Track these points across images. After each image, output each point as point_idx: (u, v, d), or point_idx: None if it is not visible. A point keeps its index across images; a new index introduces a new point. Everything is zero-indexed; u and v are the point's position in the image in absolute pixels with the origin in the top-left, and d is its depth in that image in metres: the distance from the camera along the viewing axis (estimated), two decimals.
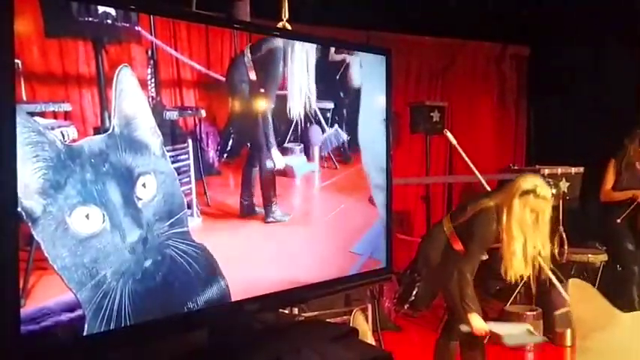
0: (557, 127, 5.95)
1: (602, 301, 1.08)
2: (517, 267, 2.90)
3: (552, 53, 5.98)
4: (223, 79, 1.95)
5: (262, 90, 2.07)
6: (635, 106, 5.37)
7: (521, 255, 2.91)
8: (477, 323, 2.84)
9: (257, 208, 2.06)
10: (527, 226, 2.90)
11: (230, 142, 1.98)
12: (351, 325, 3.33)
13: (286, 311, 2.86)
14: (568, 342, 4.34)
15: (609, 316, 1.07)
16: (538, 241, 2.96)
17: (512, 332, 2.92)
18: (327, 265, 2.20)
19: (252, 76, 2.03)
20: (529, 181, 2.94)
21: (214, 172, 1.94)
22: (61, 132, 1.55)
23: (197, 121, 1.89)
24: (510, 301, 4.62)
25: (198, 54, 1.88)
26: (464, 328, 2.89)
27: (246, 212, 2.03)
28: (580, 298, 1.09)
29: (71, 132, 1.57)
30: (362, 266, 2.43)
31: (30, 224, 1.46)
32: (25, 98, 1.49)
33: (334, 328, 2.25)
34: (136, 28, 1.71)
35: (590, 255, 4.74)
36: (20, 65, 1.48)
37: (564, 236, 4.63)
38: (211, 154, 1.92)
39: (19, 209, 1.44)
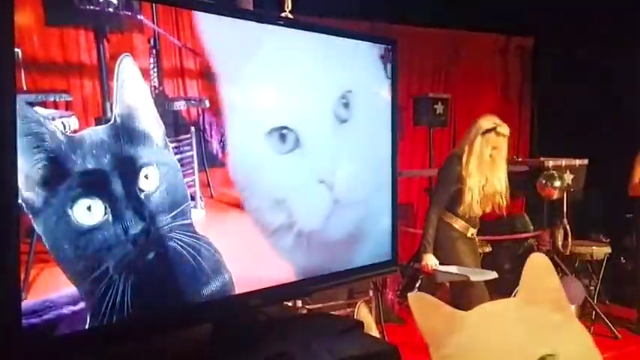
0: (561, 118, 5.92)
1: (445, 308, 1.07)
2: (472, 203, 3.11)
3: (556, 44, 5.94)
4: None
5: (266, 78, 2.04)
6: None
7: (477, 192, 3.11)
8: (426, 260, 3.05)
9: None
10: (486, 163, 3.15)
11: None
12: (355, 317, 3.32)
13: (290, 304, 2.85)
14: None
15: (456, 320, 1.06)
16: (495, 178, 3.17)
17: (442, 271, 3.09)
18: (332, 257, 2.18)
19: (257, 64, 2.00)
20: (489, 120, 3.18)
21: (218, 163, 1.91)
22: (62, 122, 1.53)
23: (200, 111, 1.86)
24: (514, 292, 4.60)
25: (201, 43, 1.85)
26: (415, 265, 3.08)
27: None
28: (423, 312, 1.08)
29: (72, 122, 1.55)
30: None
31: (31, 216, 1.44)
32: (25, 88, 1.47)
33: (340, 321, 2.23)
34: (138, 16, 1.68)
35: (594, 247, 4.73)
36: (20, 54, 1.45)
37: (568, 229, 4.62)
38: (215, 145, 1.89)
39: (19, 201, 1.42)
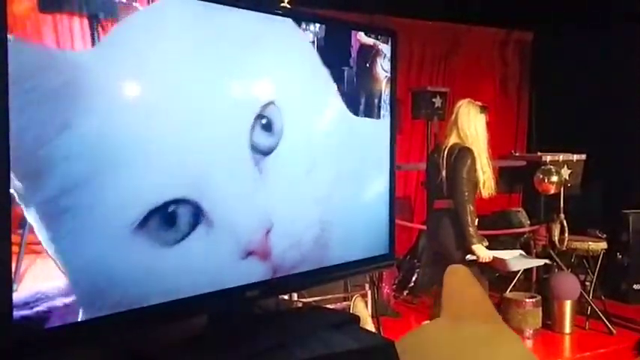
0: (559, 113, 5.91)
1: None
2: (490, 183, 3.19)
3: (556, 38, 5.91)
4: None
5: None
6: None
7: (491, 169, 3.20)
8: (482, 252, 3.11)
9: None
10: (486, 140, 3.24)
11: None
12: (351, 311, 3.32)
13: (285, 297, 2.83)
14: (567, 329, 4.34)
15: None
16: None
17: (511, 257, 3.18)
18: (330, 250, 2.16)
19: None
20: (473, 102, 3.26)
21: None
22: None
23: None
24: (510, 288, 4.61)
25: None
26: (469, 257, 3.11)
27: None
28: None
29: None
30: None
31: (22, 206, 1.41)
32: None
33: (336, 315, 2.22)
34: (134, 4, 1.65)
35: (590, 243, 4.72)
36: (12, 41, 1.42)
37: (565, 223, 4.61)
38: None
39: (11, 190, 1.39)
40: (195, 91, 1.49)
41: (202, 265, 1.55)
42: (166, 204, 1.36)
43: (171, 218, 1.39)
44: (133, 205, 1.37)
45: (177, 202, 1.37)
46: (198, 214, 1.45)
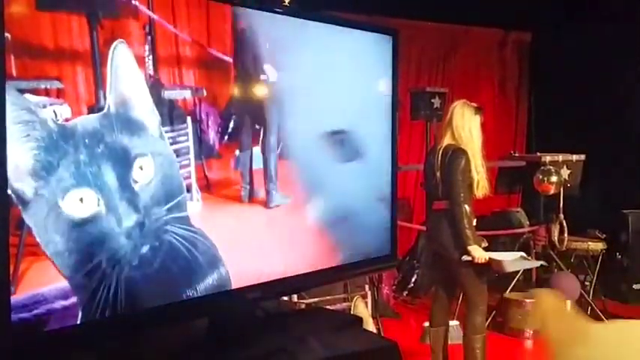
0: (559, 114, 5.90)
1: (571, 314, 1.00)
2: (484, 183, 3.11)
3: (554, 39, 5.91)
4: (225, 57, 1.88)
5: (267, 71, 1.99)
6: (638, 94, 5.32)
7: (485, 170, 3.15)
8: (477, 253, 3.04)
9: (258, 193, 1.99)
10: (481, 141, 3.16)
11: (231, 124, 1.91)
12: (352, 312, 3.30)
13: (286, 298, 2.81)
14: None
15: (581, 331, 0.99)
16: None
17: (510, 259, 3.14)
18: (330, 252, 2.14)
19: (258, 56, 1.95)
20: (468, 103, 3.21)
21: (215, 154, 1.87)
22: (54, 110, 1.48)
23: (197, 101, 1.81)
24: (510, 288, 4.59)
25: (199, 31, 1.80)
26: (465, 257, 3.07)
27: (247, 196, 1.96)
28: (552, 314, 1.01)
29: (64, 111, 1.50)
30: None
31: (21, 207, 1.39)
32: (15, 74, 1.41)
33: (338, 316, 2.20)
34: (133, 2, 1.63)
35: (590, 243, 4.71)
36: (10, 39, 1.40)
37: (564, 224, 4.59)
38: (212, 135, 1.85)
39: (8, 191, 1.37)
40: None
41: (357, 187, 2.05)
42: (341, 130, 1.97)
43: (342, 143, 1.96)
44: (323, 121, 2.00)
45: (348, 132, 1.99)
46: (357, 150, 2.02)
